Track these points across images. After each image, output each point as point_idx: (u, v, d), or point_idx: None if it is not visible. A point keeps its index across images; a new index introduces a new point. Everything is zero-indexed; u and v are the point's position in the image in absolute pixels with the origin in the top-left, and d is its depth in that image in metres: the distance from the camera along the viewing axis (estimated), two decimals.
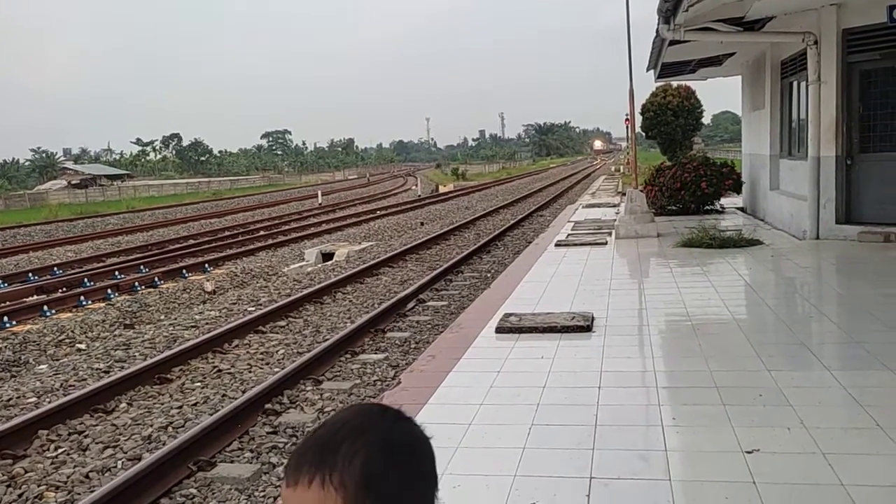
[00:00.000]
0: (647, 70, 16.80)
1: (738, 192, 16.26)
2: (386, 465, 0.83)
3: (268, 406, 5.72)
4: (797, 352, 5.31)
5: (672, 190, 15.45)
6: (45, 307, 10.88)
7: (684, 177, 15.31)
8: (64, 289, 12.84)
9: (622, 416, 4.32)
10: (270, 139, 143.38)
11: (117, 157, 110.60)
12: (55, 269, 15.55)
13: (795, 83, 12.46)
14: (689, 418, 4.23)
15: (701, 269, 8.92)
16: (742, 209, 16.14)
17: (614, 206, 19.20)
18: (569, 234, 13.08)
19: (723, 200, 16.38)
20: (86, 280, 13.37)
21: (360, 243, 16.69)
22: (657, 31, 11.12)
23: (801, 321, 6.30)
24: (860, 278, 8.10)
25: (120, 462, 4.92)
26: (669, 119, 29.75)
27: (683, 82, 27.39)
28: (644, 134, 32.62)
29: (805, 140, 10.94)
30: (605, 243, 11.71)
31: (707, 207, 15.70)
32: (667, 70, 17.13)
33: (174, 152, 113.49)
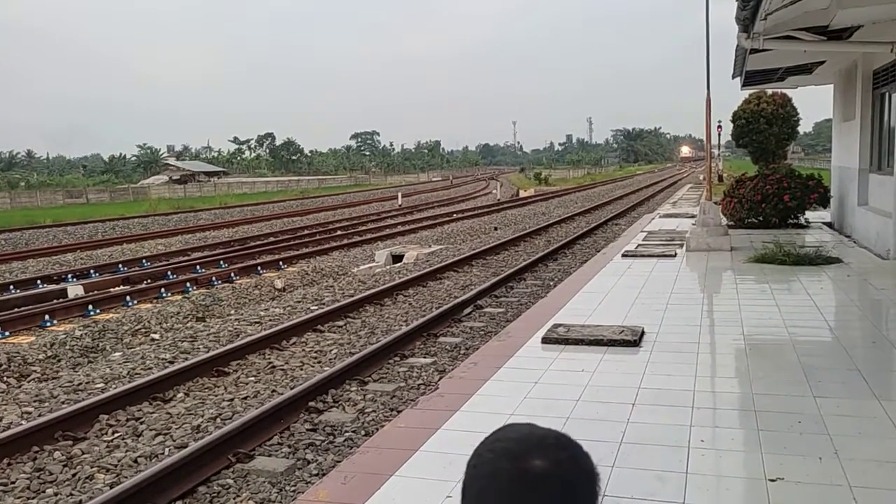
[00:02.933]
0: (733, 78, 16.31)
1: (825, 205, 15.52)
2: None
3: (311, 404, 5.92)
4: (849, 378, 5.07)
5: (753, 202, 14.92)
6: (129, 297, 11.55)
7: (766, 189, 14.76)
8: (148, 280, 13.58)
9: (650, 434, 4.26)
10: (359, 140, 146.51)
11: (216, 155, 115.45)
12: (144, 261, 16.47)
13: (888, 94, 11.82)
14: (718, 441, 4.13)
15: (768, 287, 8.59)
16: (829, 224, 15.39)
17: (693, 216, 18.66)
18: (638, 245, 12.83)
19: (810, 215, 15.69)
20: (169, 273, 14.11)
21: (430, 246, 16.88)
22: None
23: (861, 347, 5.98)
24: None
25: (167, 449, 5.21)
26: (762, 127, 28.62)
27: (779, 90, 26.39)
28: (735, 142, 31.56)
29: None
30: (674, 255, 11.43)
31: (791, 221, 15.07)
32: (753, 78, 16.54)
33: (268, 151, 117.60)
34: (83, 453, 5.22)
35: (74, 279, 14.12)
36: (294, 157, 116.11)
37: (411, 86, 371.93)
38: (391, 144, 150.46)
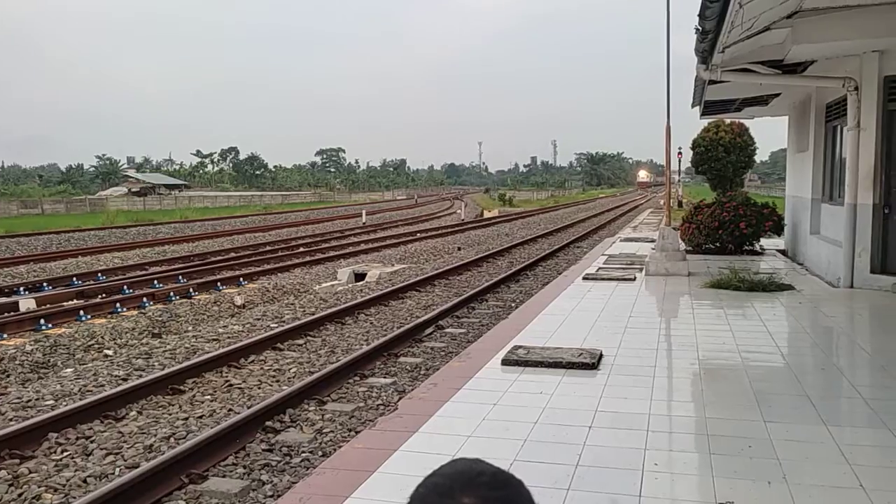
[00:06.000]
0: (692, 107, 16.76)
1: (779, 233, 15.96)
2: None
3: (268, 423, 5.85)
4: (799, 404, 5.20)
5: (710, 229, 15.29)
6: (82, 312, 11.30)
7: (723, 216, 15.14)
8: (103, 295, 13.30)
9: (605, 457, 4.31)
10: (324, 157, 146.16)
11: (177, 168, 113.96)
12: (99, 274, 16.13)
13: (839, 127, 12.23)
14: (671, 465, 4.19)
15: (723, 312, 8.78)
16: (783, 252, 15.82)
17: (653, 241, 18.97)
18: (599, 268, 13.01)
19: (765, 242, 16.11)
20: (125, 287, 13.84)
21: (393, 265, 16.87)
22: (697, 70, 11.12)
23: (811, 373, 6.15)
24: (885, 332, 7.89)
25: (118, 469, 5.10)
26: (720, 155, 29.32)
27: (737, 119, 27.17)
28: (694, 169, 32.31)
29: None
30: (634, 279, 11.62)
31: (746, 248, 15.45)
32: (712, 108, 17.03)
33: (231, 165, 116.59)
34: (30, 472, 5.08)
35: (26, 292, 13.76)
36: (258, 172, 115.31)
37: (378, 105, 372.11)
38: (356, 162, 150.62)
